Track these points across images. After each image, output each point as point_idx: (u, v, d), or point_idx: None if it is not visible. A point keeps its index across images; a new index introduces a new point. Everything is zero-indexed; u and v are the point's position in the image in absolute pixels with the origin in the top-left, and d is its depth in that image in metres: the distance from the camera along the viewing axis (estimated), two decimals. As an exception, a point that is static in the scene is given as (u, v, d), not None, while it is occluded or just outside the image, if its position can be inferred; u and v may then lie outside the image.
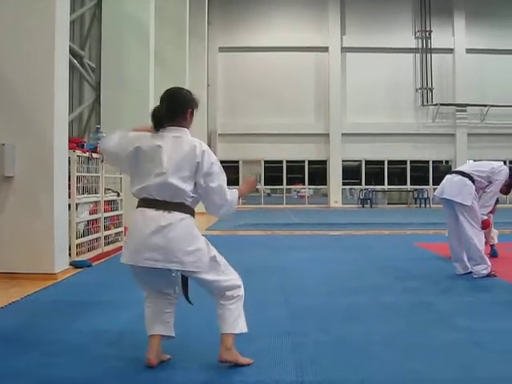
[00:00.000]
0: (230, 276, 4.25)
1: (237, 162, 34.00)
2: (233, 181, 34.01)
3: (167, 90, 4.35)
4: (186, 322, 4.97)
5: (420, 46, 34.03)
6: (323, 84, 33.69)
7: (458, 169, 8.74)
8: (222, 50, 33.41)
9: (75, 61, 14.07)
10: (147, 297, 4.40)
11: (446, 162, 34.62)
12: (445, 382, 4.06)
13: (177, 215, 4.05)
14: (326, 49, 33.78)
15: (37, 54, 8.15)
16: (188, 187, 4.09)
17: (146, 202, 4.10)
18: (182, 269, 4.09)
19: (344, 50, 33.90)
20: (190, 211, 4.14)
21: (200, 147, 4.13)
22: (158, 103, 4.28)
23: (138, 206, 4.18)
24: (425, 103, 33.83)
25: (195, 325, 5.28)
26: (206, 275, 4.13)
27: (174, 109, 4.24)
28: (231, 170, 34.13)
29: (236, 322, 4.22)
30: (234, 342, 4.23)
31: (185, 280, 4.31)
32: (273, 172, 34.63)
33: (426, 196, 32.79)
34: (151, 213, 4.05)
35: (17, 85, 8.12)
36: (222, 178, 4.18)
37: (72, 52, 12.12)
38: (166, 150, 4.08)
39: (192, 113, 4.31)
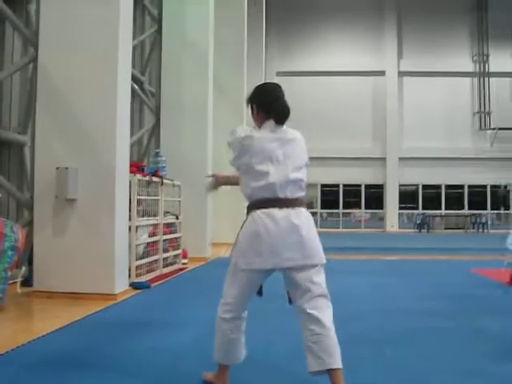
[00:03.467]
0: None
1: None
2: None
3: (272, 87, 4.18)
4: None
5: (478, 70, 33.75)
6: (380, 108, 33.63)
7: None
8: (279, 74, 33.60)
9: (136, 86, 14.34)
10: (234, 317, 4.00)
11: (505, 186, 34.13)
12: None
13: (301, 211, 3.88)
14: (382, 73, 33.83)
15: (100, 78, 8.28)
16: (305, 179, 4.01)
17: (265, 202, 3.84)
18: (321, 262, 3.88)
19: (401, 74, 33.88)
20: (305, 204, 3.99)
21: (300, 136, 4.15)
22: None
23: (252, 208, 3.90)
24: (482, 127, 33.46)
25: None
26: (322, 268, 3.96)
27: (287, 108, 4.05)
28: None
29: (338, 350, 3.86)
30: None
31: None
32: (329, 196, 34.60)
33: (483, 221, 32.36)
34: (277, 212, 3.80)
35: (80, 109, 8.26)
36: None
37: (133, 77, 12.38)
38: (279, 144, 3.94)
39: None
